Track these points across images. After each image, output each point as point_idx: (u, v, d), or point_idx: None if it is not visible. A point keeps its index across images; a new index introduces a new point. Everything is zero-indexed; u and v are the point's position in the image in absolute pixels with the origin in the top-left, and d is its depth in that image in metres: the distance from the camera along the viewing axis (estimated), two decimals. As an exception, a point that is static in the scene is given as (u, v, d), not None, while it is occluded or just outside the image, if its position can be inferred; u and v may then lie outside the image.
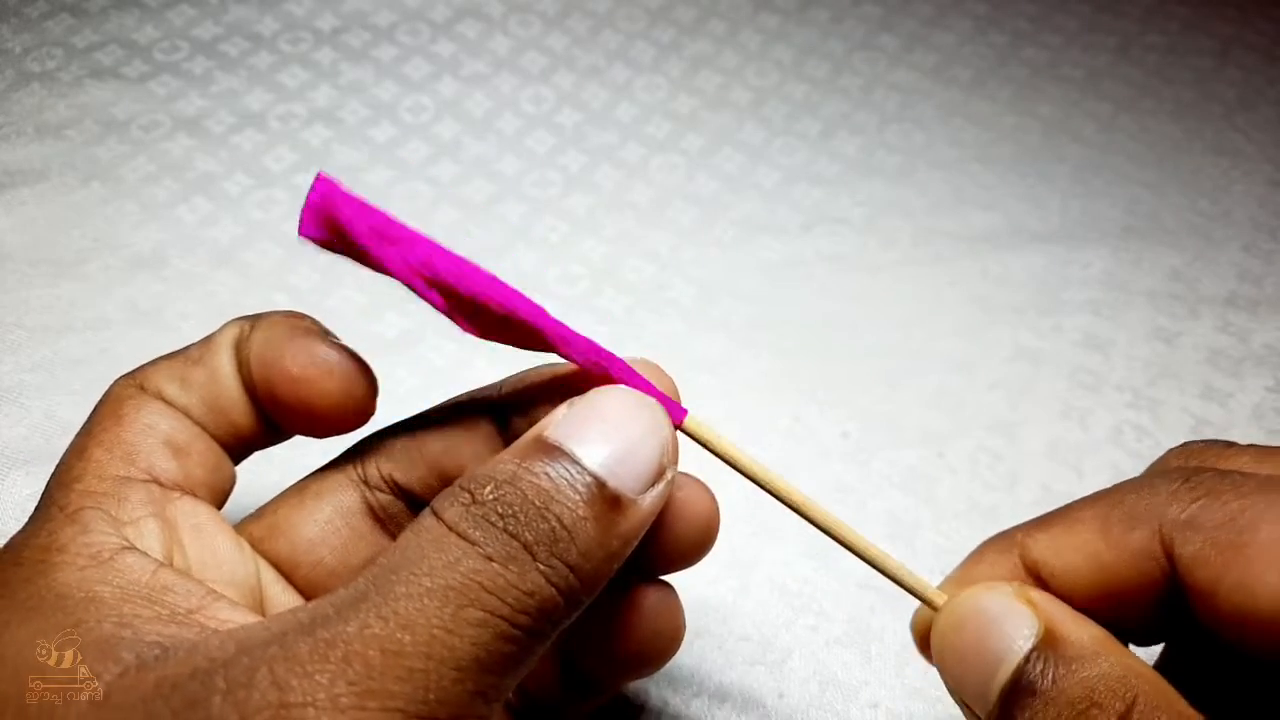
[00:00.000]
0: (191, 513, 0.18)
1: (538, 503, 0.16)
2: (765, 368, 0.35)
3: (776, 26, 0.48)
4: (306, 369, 0.19)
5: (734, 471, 0.21)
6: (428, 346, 0.34)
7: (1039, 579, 0.19)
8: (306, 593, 0.20)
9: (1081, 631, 0.17)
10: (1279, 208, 0.42)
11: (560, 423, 0.17)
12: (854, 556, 0.21)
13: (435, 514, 0.16)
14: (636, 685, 0.27)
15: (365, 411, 0.20)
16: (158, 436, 0.19)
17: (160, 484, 0.18)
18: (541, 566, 0.15)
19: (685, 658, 0.28)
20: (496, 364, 0.34)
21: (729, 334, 0.36)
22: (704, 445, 0.21)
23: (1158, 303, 0.38)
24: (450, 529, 0.16)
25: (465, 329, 0.19)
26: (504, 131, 0.42)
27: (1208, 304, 0.38)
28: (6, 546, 0.17)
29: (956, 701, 0.18)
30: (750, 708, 0.27)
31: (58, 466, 0.19)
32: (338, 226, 0.19)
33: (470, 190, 0.39)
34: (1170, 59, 0.48)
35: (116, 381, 0.20)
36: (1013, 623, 0.17)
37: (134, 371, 0.20)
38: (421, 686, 0.14)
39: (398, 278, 0.19)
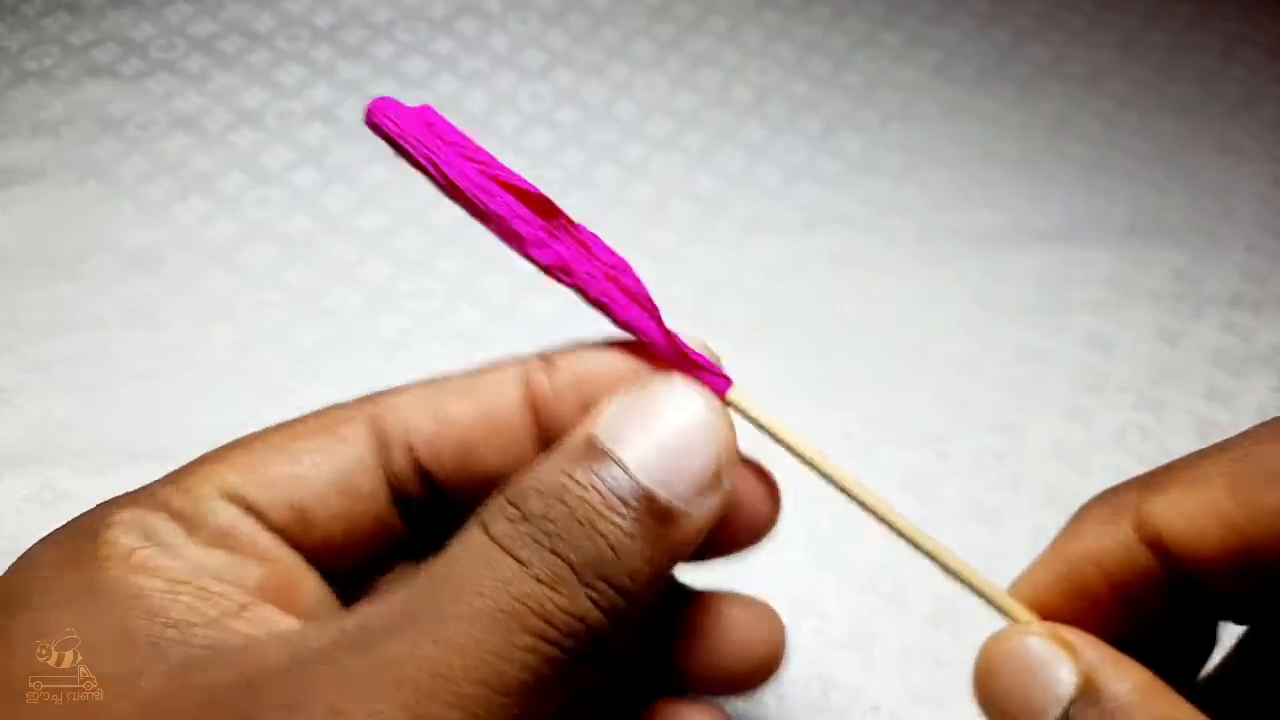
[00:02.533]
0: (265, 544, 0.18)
1: (584, 520, 0.15)
2: (767, 367, 0.34)
3: (778, 23, 0.48)
4: None
5: (781, 448, 0.20)
6: (427, 346, 0.34)
7: (1159, 544, 0.17)
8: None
9: (1124, 680, 0.16)
10: (1283, 206, 0.42)
11: (609, 421, 0.16)
12: (924, 553, 0.19)
13: (484, 528, 0.16)
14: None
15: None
16: (327, 476, 0.18)
17: (270, 526, 0.17)
18: (588, 591, 0.15)
19: (686, 661, 0.28)
20: (495, 364, 0.34)
21: (730, 334, 0.35)
22: (748, 419, 0.20)
23: (1162, 302, 0.38)
24: (498, 544, 0.15)
25: (534, 253, 0.20)
26: (503, 130, 0.42)
27: (1212, 304, 0.38)
28: (75, 526, 0.17)
29: None
30: (752, 710, 0.27)
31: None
32: (421, 135, 0.19)
33: (469, 189, 0.39)
34: (1174, 57, 0.48)
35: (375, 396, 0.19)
36: (1050, 672, 0.16)
37: (385, 392, 0.19)
38: (471, 713, 0.14)
39: (468, 186, 0.20)
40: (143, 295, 0.34)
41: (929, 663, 0.28)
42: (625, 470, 0.16)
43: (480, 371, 0.19)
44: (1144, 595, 0.17)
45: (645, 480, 0.16)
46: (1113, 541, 0.17)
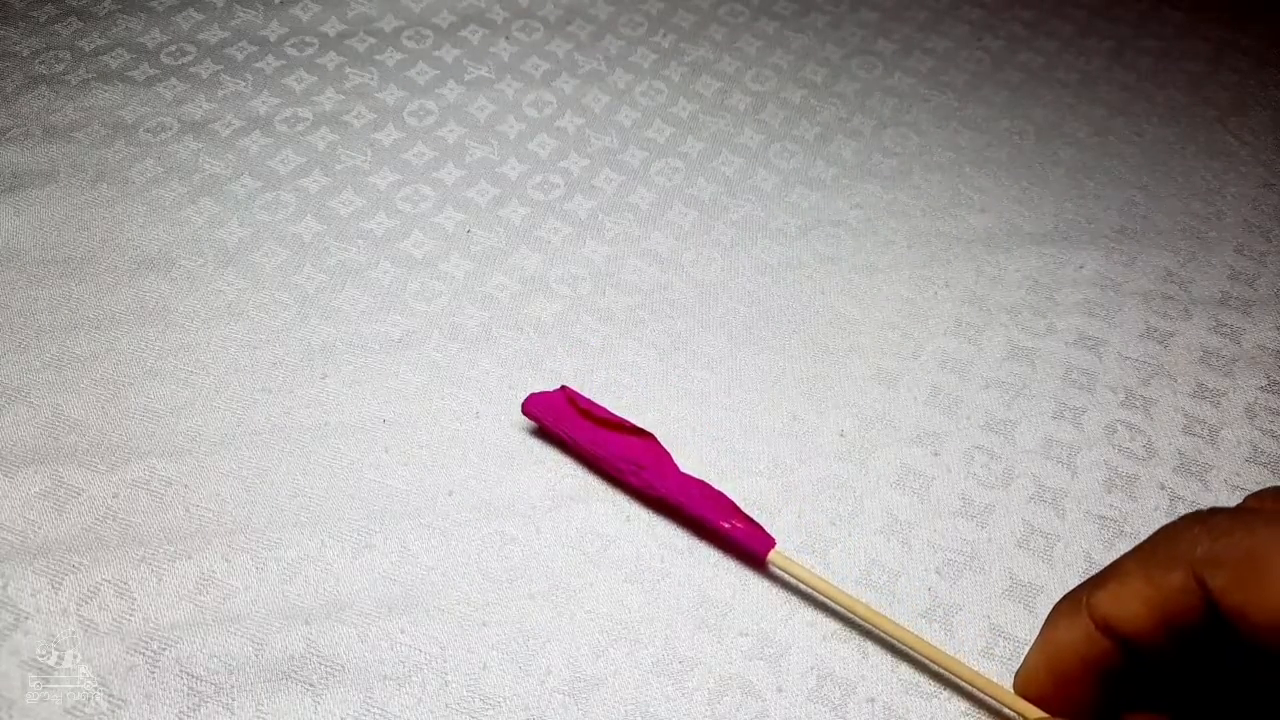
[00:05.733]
0: None
1: None
2: (764, 367, 0.35)
3: (775, 32, 0.48)
4: None
5: (826, 600, 0.28)
6: (432, 346, 0.35)
7: (1109, 629, 0.22)
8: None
9: None
10: (1271, 209, 0.42)
11: None
12: (948, 673, 0.27)
13: None
14: (635, 678, 0.28)
15: None
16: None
17: None
18: None
19: (685, 651, 0.28)
20: (504, 364, 0.34)
21: (729, 334, 0.36)
22: (792, 576, 0.28)
23: (1151, 303, 0.38)
24: None
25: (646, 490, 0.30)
26: (507, 135, 0.42)
27: (1200, 304, 0.38)
28: None
29: None
30: (749, 701, 0.27)
31: None
32: (560, 421, 0.31)
33: (474, 193, 0.40)
34: (1164, 63, 0.49)
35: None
36: None
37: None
38: None
39: (603, 460, 0.30)
40: (154, 295, 0.35)
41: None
42: None
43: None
44: (1110, 667, 0.23)
45: None
46: (1078, 633, 0.23)
